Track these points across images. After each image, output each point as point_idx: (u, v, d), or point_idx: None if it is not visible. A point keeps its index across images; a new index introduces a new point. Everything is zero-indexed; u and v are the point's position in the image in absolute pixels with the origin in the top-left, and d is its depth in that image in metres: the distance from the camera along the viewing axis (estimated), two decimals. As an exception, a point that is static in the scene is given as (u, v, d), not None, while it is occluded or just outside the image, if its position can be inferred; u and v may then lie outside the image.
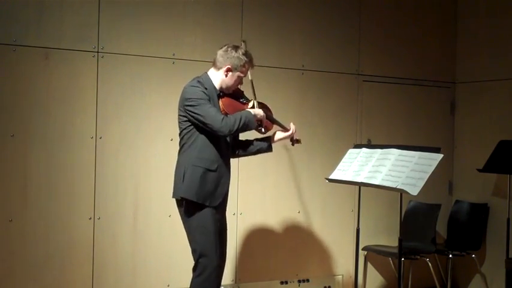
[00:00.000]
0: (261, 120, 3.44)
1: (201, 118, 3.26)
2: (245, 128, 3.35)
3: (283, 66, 4.68)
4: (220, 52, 3.41)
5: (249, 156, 3.71)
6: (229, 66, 3.37)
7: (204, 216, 3.31)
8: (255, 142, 3.61)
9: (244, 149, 3.61)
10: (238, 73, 3.39)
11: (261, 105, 3.53)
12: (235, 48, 3.40)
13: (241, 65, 3.38)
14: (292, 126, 3.63)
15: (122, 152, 4.14)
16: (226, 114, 3.37)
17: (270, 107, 3.65)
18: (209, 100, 3.31)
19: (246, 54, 3.40)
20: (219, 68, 3.40)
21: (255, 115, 3.39)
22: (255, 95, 3.51)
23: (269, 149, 3.61)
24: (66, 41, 3.97)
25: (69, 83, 3.98)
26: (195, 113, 3.27)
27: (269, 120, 3.56)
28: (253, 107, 3.48)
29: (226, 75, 3.39)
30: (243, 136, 3.64)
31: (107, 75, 4.08)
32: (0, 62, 3.81)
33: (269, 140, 3.60)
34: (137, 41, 4.17)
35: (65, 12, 3.97)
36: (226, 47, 3.42)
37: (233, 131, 3.29)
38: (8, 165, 3.84)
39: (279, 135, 3.61)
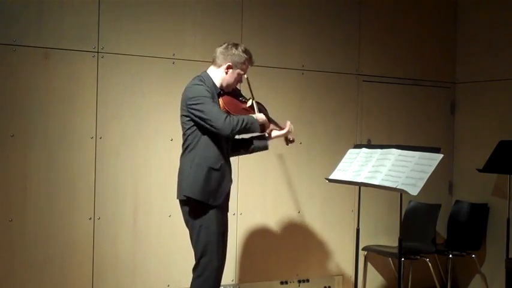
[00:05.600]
0: (263, 125, 3.43)
1: (204, 116, 3.24)
2: (247, 130, 3.35)
3: (283, 66, 4.68)
4: (220, 50, 3.41)
5: (248, 156, 3.70)
6: (230, 64, 3.37)
7: (208, 217, 3.31)
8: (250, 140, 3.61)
9: (241, 146, 3.59)
10: (238, 70, 3.40)
11: (257, 104, 3.53)
12: (235, 45, 3.41)
13: (241, 62, 3.39)
14: (288, 125, 3.60)
15: (122, 152, 4.14)
16: (228, 112, 3.37)
17: (266, 107, 3.63)
18: (212, 98, 3.30)
19: (245, 51, 3.40)
20: (219, 66, 3.40)
21: (257, 119, 3.39)
22: (252, 93, 3.51)
23: (265, 147, 3.59)
24: (66, 41, 3.97)
25: (69, 83, 3.99)
26: (197, 110, 3.26)
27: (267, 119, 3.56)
28: (252, 106, 3.48)
29: (226, 73, 3.39)
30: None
31: (107, 75, 4.08)
32: (0, 62, 3.81)
33: (265, 138, 3.59)
34: (137, 41, 4.17)
35: (65, 12, 3.97)
36: (226, 44, 3.42)
37: (235, 131, 3.28)
38: (8, 165, 3.84)
39: (275, 133, 3.60)
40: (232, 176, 3.50)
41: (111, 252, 4.11)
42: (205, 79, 3.38)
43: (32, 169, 3.90)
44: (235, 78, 3.42)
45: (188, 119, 3.33)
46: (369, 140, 5.00)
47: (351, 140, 4.90)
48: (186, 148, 3.39)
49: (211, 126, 3.25)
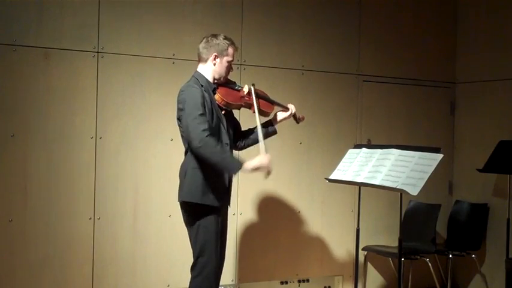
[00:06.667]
0: (263, 168, 3.25)
1: (184, 123, 3.22)
2: (220, 166, 3.23)
3: (283, 66, 4.68)
4: (202, 45, 3.44)
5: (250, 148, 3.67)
6: (216, 54, 3.39)
7: (207, 217, 3.30)
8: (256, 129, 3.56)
9: (248, 138, 3.59)
10: (225, 58, 3.41)
11: (256, 90, 3.49)
12: (215, 35, 3.44)
13: (225, 49, 3.40)
14: (291, 106, 3.64)
15: (122, 152, 4.14)
16: (227, 103, 3.37)
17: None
18: (204, 105, 3.25)
19: (226, 38, 3.44)
20: (206, 60, 3.42)
21: (240, 166, 3.20)
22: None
23: (274, 132, 3.60)
24: (66, 41, 3.97)
25: (69, 83, 3.99)
26: (183, 117, 3.25)
27: (268, 102, 3.56)
28: (249, 92, 3.45)
29: (214, 64, 3.40)
30: (244, 125, 3.64)
31: (107, 75, 4.09)
32: (0, 62, 3.81)
33: (272, 123, 3.60)
34: (137, 41, 4.18)
35: (65, 12, 3.97)
36: (205, 38, 3.45)
37: (202, 151, 3.14)
38: (8, 165, 3.85)
39: (281, 115, 3.63)
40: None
41: (111, 252, 4.11)
42: (199, 79, 3.38)
43: (32, 169, 3.90)
44: (226, 67, 3.43)
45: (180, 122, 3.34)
46: (369, 140, 5.00)
47: (351, 140, 4.90)
48: (185, 151, 3.39)
49: (187, 136, 3.22)
